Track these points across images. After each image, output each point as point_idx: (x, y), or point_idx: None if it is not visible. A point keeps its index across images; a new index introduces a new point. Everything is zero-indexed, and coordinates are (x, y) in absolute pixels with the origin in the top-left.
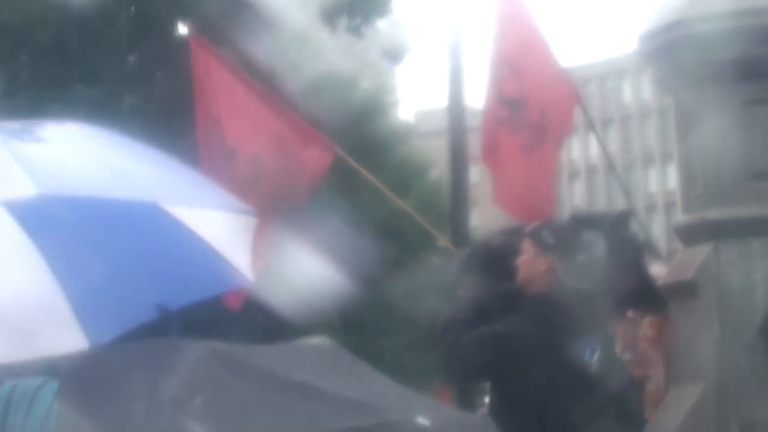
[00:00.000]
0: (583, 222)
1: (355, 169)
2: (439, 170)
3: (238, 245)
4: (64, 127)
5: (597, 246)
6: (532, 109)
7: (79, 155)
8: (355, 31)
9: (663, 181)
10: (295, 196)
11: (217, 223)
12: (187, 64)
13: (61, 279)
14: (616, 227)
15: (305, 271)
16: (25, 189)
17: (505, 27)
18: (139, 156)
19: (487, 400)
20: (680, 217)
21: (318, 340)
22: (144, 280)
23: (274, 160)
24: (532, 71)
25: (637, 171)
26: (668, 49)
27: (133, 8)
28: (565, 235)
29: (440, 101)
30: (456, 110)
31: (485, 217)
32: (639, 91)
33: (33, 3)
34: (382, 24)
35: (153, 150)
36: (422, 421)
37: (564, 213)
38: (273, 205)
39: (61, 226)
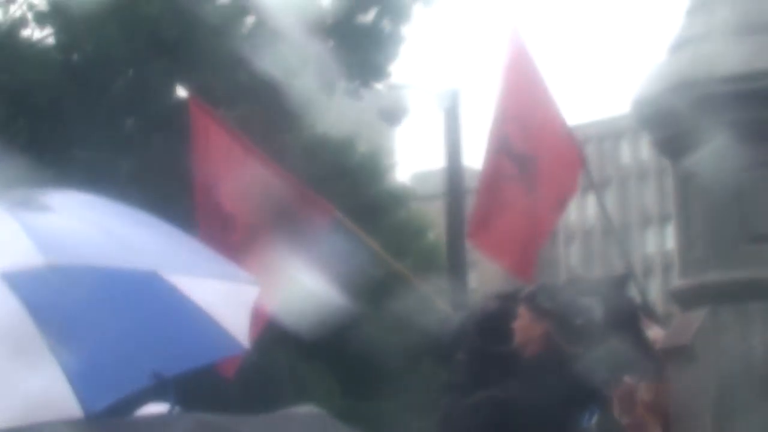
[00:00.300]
0: (579, 287)
1: (353, 231)
2: (436, 232)
3: (236, 314)
4: (68, 195)
5: (594, 310)
6: (540, 167)
7: (83, 224)
8: (353, 95)
9: (661, 242)
10: (293, 259)
11: (215, 292)
12: (186, 128)
13: (55, 348)
14: (613, 291)
15: (302, 332)
16: (33, 259)
17: (513, 84)
18: (140, 224)
19: None
20: (677, 281)
21: (306, 410)
22: (140, 347)
23: (272, 225)
24: (540, 130)
25: (635, 232)
26: (665, 112)
27: (131, 71)
28: (562, 300)
29: (437, 163)
30: (453, 173)
31: (483, 279)
32: (637, 152)
33: (30, 66)
34: (380, 87)
35: (153, 218)
36: None
37: (560, 276)
38: (270, 269)
39: (59, 296)
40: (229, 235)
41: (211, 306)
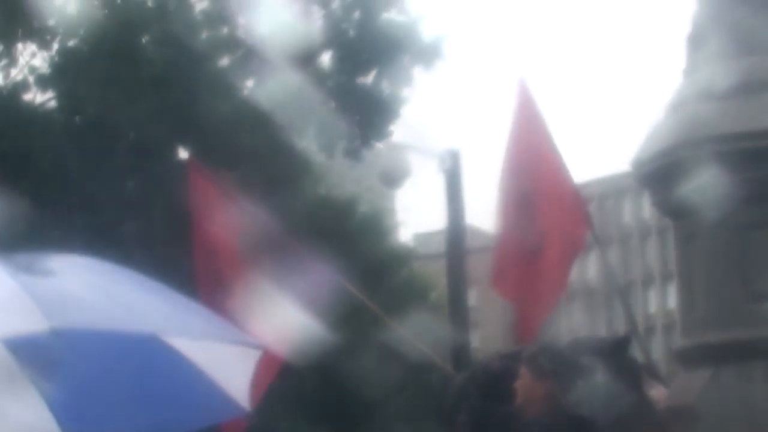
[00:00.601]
0: (581, 346)
1: (352, 292)
2: (439, 292)
3: (238, 376)
4: (69, 258)
5: (596, 370)
6: (547, 225)
7: (85, 287)
8: (354, 155)
9: (663, 301)
10: (294, 323)
11: (217, 355)
12: (187, 190)
13: (57, 413)
14: (615, 352)
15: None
16: (37, 323)
17: (522, 137)
18: (141, 287)
19: None
20: (680, 341)
21: None
22: (140, 411)
23: (272, 289)
24: (547, 187)
25: (637, 291)
26: (664, 174)
27: (132, 134)
28: (564, 360)
29: (439, 223)
30: (454, 234)
31: (485, 339)
32: (639, 210)
33: (33, 130)
34: (380, 147)
35: (155, 281)
36: None
37: (562, 335)
38: (270, 333)
39: (61, 361)
40: (228, 300)
41: (212, 368)
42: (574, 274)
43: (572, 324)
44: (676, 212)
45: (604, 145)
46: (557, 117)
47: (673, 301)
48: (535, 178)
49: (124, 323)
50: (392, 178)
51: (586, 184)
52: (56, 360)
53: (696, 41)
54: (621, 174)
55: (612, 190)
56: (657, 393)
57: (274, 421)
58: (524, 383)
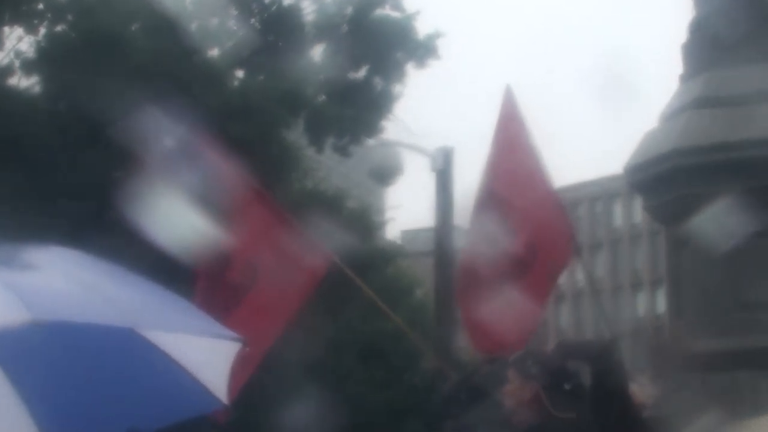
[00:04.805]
0: (568, 351)
1: (341, 286)
2: (425, 290)
3: (216, 370)
4: (50, 251)
5: (582, 374)
6: (520, 243)
7: (66, 280)
8: (343, 151)
9: (652, 306)
10: (287, 306)
11: (194, 347)
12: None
13: (30, 406)
14: (602, 356)
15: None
16: (18, 315)
17: (500, 156)
18: (120, 280)
19: None
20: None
21: None
22: (116, 405)
23: (270, 267)
24: (525, 205)
25: (626, 295)
26: (657, 180)
27: (118, 123)
28: (550, 364)
29: (427, 220)
30: (443, 232)
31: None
32: (630, 214)
33: (17, 115)
34: (371, 144)
35: (134, 273)
36: None
37: (549, 337)
38: (262, 318)
39: (37, 354)
40: (226, 275)
41: (190, 362)
42: (563, 276)
43: (559, 326)
44: (667, 218)
45: (596, 147)
46: (550, 117)
47: (662, 305)
48: (518, 190)
49: (103, 317)
50: (383, 175)
51: (577, 186)
52: (32, 353)
53: (691, 49)
54: (612, 176)
55: (603, 192)
56: (643, 397)
57: (254, 414)
58: (512, 388)
